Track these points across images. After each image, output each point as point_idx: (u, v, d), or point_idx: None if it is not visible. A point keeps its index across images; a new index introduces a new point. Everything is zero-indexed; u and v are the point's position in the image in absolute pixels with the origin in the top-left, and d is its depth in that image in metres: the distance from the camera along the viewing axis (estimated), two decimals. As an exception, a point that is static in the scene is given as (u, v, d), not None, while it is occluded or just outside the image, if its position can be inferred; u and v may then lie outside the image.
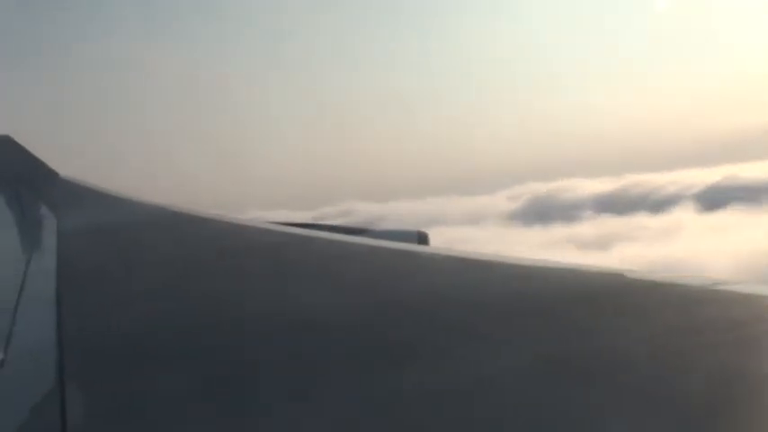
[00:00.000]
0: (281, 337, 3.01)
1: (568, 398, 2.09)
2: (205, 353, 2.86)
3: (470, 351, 2.58)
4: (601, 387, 2.17)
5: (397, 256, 4.83)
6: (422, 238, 7.84)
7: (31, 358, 2.99)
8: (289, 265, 4.82)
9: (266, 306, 3.59)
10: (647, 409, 1.96)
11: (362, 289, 3.85)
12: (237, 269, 4.77)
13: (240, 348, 2.89)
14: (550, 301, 3.22)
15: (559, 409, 2.02)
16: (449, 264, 4.41)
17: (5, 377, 2.80)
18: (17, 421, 2.32)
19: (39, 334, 3.40)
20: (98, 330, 3.39)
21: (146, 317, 3.56)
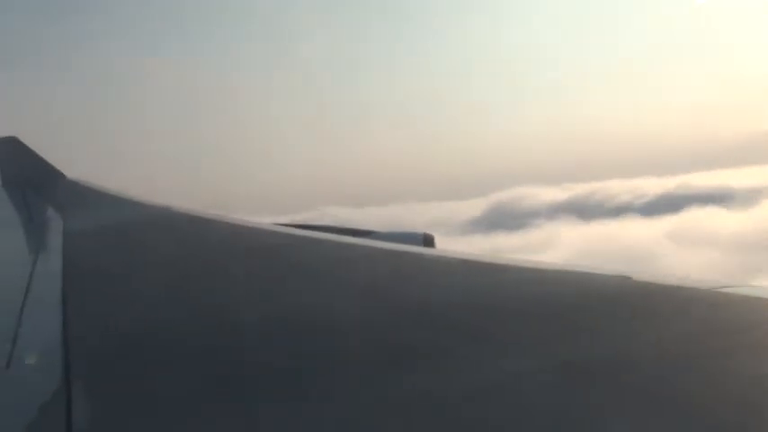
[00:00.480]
0: (290, 339, 3.00)
1: (579, 401, 2.08)
2: (212, 354, 2.86)
3: (485, 354, 2.57)
4: (610, 390, 2.15)
5: (407, 258, 4.81)
6: (428, 241, 7.78)
7: (37, 358, 3.00)
8: (298, 267, 4.80)
9: (275, 309, 3.56)
10: (658, 412, 1.95)
11: (377, 291, 3.82)
12: (244, 271, 4.76)
13: (248, 350, 2.88)
14: (559, 304, 3.21)
15: (571, 413, 2.00)
16: (458, 266, 4.39)
17: (12, 377, 2.80)
18: (24, 421, 2.32)
19: (45, 334, 3.40)
20: (104, 331, 3.39)
21: (151, 318, 3.56)
